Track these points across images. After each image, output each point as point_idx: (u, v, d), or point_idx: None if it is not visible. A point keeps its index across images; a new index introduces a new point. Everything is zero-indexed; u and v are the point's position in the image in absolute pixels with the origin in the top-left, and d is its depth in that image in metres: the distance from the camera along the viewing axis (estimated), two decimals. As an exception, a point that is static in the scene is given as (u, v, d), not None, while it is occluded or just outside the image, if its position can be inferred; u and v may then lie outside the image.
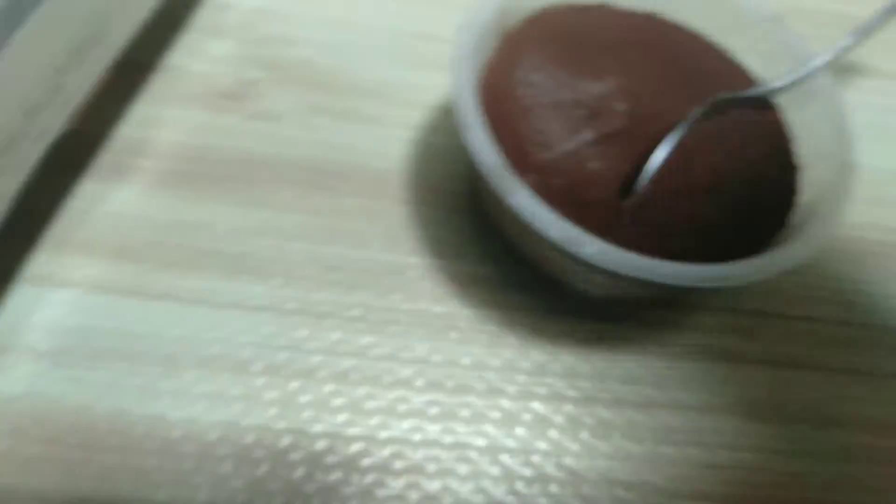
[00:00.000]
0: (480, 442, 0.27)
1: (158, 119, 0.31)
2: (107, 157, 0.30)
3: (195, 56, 0.33)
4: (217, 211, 0.30)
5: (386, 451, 0.26)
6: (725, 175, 0.26)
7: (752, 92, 0.28)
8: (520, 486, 0.26)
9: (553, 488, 0.26)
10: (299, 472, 0.25)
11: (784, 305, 0.31)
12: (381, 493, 0.25)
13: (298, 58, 0.34)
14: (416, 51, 0.35)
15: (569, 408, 0.28)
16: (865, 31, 0.29)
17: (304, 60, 0.34)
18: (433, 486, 0.25)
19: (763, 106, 0.28)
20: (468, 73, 0.25)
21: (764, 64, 0.30)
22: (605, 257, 0.22)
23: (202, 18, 0.34)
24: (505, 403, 0.27)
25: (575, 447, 0.27)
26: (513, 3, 0.28)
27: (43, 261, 0.27)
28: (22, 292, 0.27)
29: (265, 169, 0.31)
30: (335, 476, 0.25)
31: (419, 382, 0.27)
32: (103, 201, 0.29)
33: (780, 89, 0.28)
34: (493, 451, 0.26)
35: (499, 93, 0.26)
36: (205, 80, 0.33)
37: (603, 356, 0.29)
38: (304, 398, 0.26)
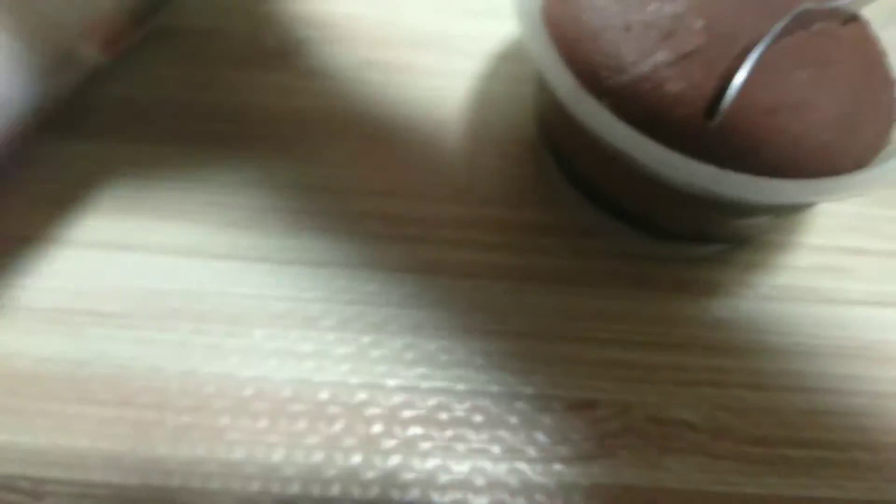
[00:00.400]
0: (563, 393, 0.25)
1: (210, 81, 0.31)
2: (160, 122, 0.29)
3: (240, 17, 0.32)
4: (274, 168, 0.29)
5: (467, 404, 0.25)
6: (814, 90, 0.24)
7: (838, 2, 0.26)
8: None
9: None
10: (376, 428, 0.24)
11: (881, 241, 0.29)
12: (460, 447, 0.24)
13: (346, 13, 0.33)
14: (469, 1, 0.34)
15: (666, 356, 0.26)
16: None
17: (352, 15, 0.33)
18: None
19: (850, 19, 0.26)
20: (533, 2, 0.23)
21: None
22: (695, 174, 0.20)
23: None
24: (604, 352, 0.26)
25: (660, 398, 0.25)
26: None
27: (105, 225, 0.27)
28: (87, 257, 0.26)
29: (320, 126, 0.30)
30: (413, 431, 0.24)
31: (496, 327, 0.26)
32: (160, 164, 0.28)
33: (867, 1, 0.26)
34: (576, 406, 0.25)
35: (565, 20, 0.25)
36: (252, 40, 0.32)
37: (692, 301, 0.27)
38: (376, 352, 0.25)
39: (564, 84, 0.22)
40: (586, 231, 0.28)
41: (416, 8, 0.33)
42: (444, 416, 0.24)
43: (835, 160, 0.23)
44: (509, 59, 0.32)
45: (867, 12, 0.27)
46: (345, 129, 0.30)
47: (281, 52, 0.32)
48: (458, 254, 0.27)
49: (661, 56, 0.23)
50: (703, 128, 0.23)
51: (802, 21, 0.25)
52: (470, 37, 0.33)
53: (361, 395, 0.25)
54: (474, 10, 0.34)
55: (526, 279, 0.27)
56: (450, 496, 0.23)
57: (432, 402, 0.25)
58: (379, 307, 0.26)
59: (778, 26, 0.23)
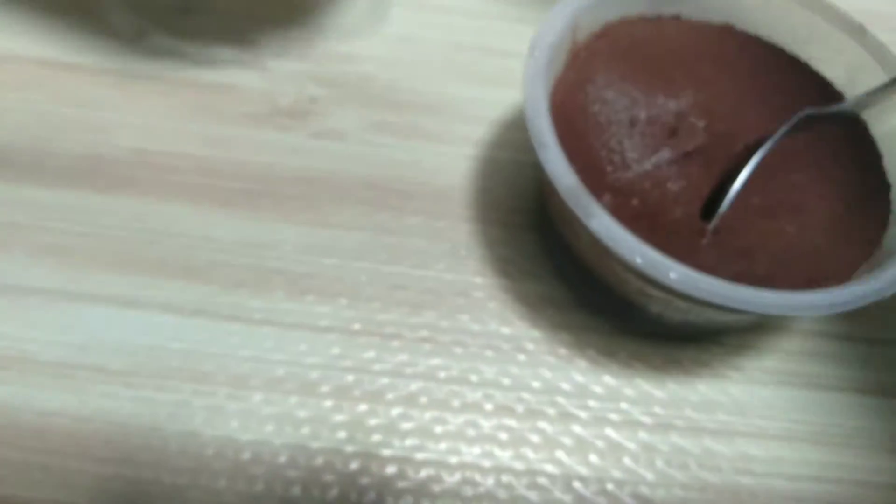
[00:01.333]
0: (552, 469, 0.26)
1: (223, 138, 0.31)
2: (173, 178, 0.30)
3: (257, 74, 0.33)
4: (282, 230, 0.29)
5: (456, 477, 0.25)
6: (812, 194, 0.25)
7: (837, 107, 0.27)
8: (595, 516, 0.25)
9: (630, 520, 0.25)
10: (369, 497, 0.25)
11: (872, 329, 0.30)
12: (451, 523, 0.25)
13: (359, 74, 0.34)
14: (477, 65, 0.35)
15: (643, 435, 0.27)
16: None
17: (366, 77, 0.34)
18: (506, 515, 0.25)
19: (849, 120, 0.27)
20: (541, 90, 0.24)
21: (847, 75, 0.29)
22: (691, 284, 0.21)
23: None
24: (577, 429, 0.26)
25: (650, 476, 0.26)
26: (584, 17, 0.27)
27: (113, 281, 0.28)
28: (93, 311, 0.27)
29: (329, 187, 0.31)
30: (405, 502, 0.25)
31: (488, 406, 0.27)
32: (171, 221, 0.29)
33: (867, 104, 0.27)
34: (565, 478, 0.26)
35: (572, 110, 0.26)
36: (268, 98, 0.32)
37: (678, 381, 0.28)
38: (372, 421, 0.26)
39: (566, 181, 0.22)
40: (583, 306, 0.29)
41: (428, 71, 0.34)
42: (436, 487, 0.25)
43: (826, 265, 0.24)
44: (515, 127, 0.33)
45: (868, 111, 0.27)
46: (351, 193, 0.31)
47: (294, 112, 0.32)
48: (456, 322, 0.28)
49: (664, 154, 0.24)
50: (700, 228, 0.23)
51: (803, 124, 0.25)
52: (479, 102, 0.34)
53: (355, 464, 0.25)
54: (484, 76, 0.34)
55: (518, 351, 0.28)
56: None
57: (423, 473, 0.25)
58: (375, 376, 0.27)
59: (779, 133, 0.24)
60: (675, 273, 0.21)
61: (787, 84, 0.28)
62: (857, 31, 0.28)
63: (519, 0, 0.36)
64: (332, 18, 0.35)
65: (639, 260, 0.21)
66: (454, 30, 0.36)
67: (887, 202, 0.26)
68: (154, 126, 0.31)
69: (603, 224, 0.22)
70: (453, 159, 0.32)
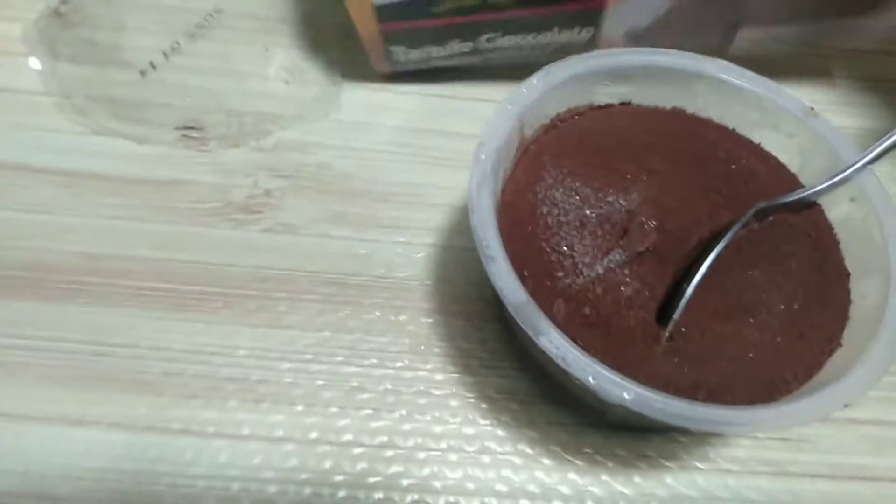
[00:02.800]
0: (518, 581, 0.25)
1: (176, 237, 0.31)
2: (124, 283, 0.29)
3: (210, 168, 0.33)
4: (237, 334, 0.29)
5: None
6: (768, 290, 0.25)
7: (792, 197, 0.26)
8: None
9: None
10: None
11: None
12: None
13: (314, 163, 0.33)
14: (432, 150, 0.34)
15: (612, 537, 0.26)
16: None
17: (321, 166, 0.33)
18: None
19: (805, 207, 0.27)
20: (487, 198, 0.24)
21: (800, 158, 0.28)
22: (646, 404, 0.20)
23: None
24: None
25: (620, 581, 0.25)
26: (529, 114, 0.27)
27: (60, 398, 0.27)
28: (38, 433, 0.26)
29: (286, 285, 0.30)
30: None
31: (452, 516, 0.26)
32: (122, 330, 0.28)
33: (823, 191, 0.26)
34: (532, 591, 0.25)
35: (521, 212, 0.25)
36: (221, 192, 0.32)
37: (645, 475, 0.27)
38: (330, 539, 0.25)
39: (514, 298, 0.22)
40: (547, 398, 0.28)
41: (384, 158, 0.34)
42: None
43: (786, 367, 0.23)
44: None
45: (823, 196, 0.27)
46: (309, 290, 0.30)
47: (248, 206, 0.32)
48: (417, 425, 0.27)
49: (615, 256, 0.24)
50: (655, 334, 0.23)
51: (757, 216, 0.25)
52: (435, 187, 0.33)
53: (313, 588, 0.24)
54: (440, 161, 0.34)
55: (482, 452, 0.27)
56: None
57: (385, 593, 0.24)
58: (334, 488, 0.26)
59: (732, 231, 0.24)
60: (629, 394, 0.20)
61: (740, 169, 0.28)
62: (808, 114, 0.28)
63: (472, 80, 0.36)
64: (284, 105, 0.35)
65: (591, 381, 0.20)
66: (407, 113, 0.35)
67: (846, 292, 0.25)
68: (104, 229, 0.31)
69: (553, 342, 0.21)
70: (411, 249, 0.32)
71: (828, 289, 0.25)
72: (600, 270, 0.24)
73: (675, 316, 0.23)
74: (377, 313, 0.30)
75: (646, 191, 0.26)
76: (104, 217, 0.31)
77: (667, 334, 0.23)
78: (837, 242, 0.26)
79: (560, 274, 0.24)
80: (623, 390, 0.20)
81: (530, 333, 0.21)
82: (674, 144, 0.28)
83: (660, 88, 0.29)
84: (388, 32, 0.31)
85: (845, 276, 0.26)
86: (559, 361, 0.21)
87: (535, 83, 0.26)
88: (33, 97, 0.34)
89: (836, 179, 0.26)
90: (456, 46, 0.32)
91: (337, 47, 0.36)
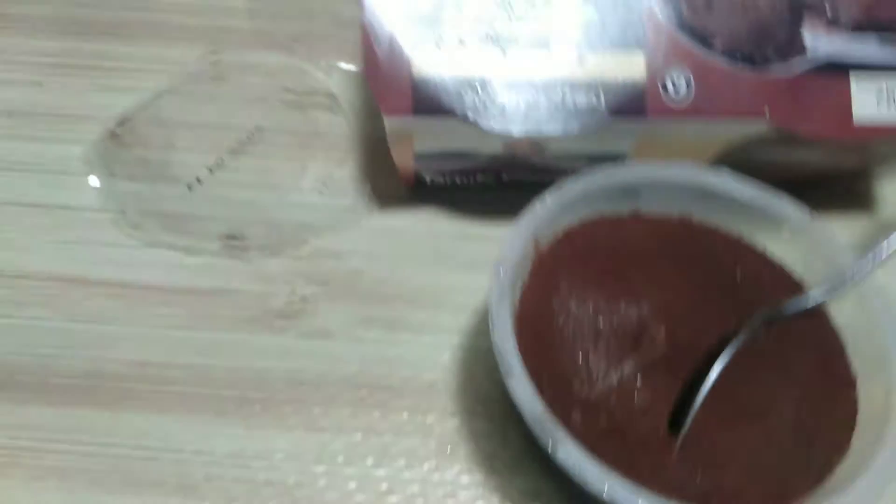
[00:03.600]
0: None
1: (219, 345, 0.33)
2: (171, 389, 0.32)
3: (250, 277, 0.35)
4: (274, 437, 0.30)
5: None
6: (775, 397, 0.26)
7: (797, 304, 0.28)
8: None
9: None
10: None
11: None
12: None
13: (347, 270, 0.36)
14: (459, 252, 0.37)
15: None
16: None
17: (353, 272, 0.36)
18: None
19: (810, 310, 0.28)
20: (506, 313, 0.25)
21: (804, 263, 0.30)
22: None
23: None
24: None
25: None
26: (544, 228, 0.29)
27: (107, 502, 0.28)
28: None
29: (319, 389, 0.32)
30: None
31: None
32: (168, 435, 0.30)
33: (825, 297, 0.28)
34: None
35: (539, 323, 0.27)
36: (261, 300, 0.34)
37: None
38: None
39: (533, 410, 0.23)
40: (569, 501, 0.29)
41: (412, 262, 0.36)
42: None
43: (795, 474, 0.24)
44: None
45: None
46: (341, 393, 0.32)
47: (286, 313, 0.34)
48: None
49: (628, 366, 0.25)
50: (668, 442, 0.24)
51: (763, 323, 0.27)
52: (460, 290, 0.35)
53: None
54: (465, 263, 0.36)
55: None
56: None
57: None
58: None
59: (739, 339, 0.25)
60: (643, 502, 0.22)
61: (746, 276, 0.29)
62: (809, 220, 0.30)
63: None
64: (319, 215, 0.37)
65: (605, 492, 0.22)
66: (432, 218, 0.38)
67: (853, 399, 0.26)
68: (154, 337, 0.33)
69: (570, 454, 0.22)
70: (438, 351, 0.33)
71: (835, 394, 0.26)
72: (614, 380, 0.26)
73: (686, 425, 0.24)
74: (405, 415, 0.31)
75: (656, 299, 0.28)
76: (154, 326, 0.33)
77: (678, 442, 0.24)
78: (843, 347, 0.28)
79: (576, 384, 0.26)
80: (637, 501, 0.22)
81: (547, 445, 0.23)
82: (682, 253, 0.30)
83: (667, 199, 0.31)
84: (422, 168, 0.34)
85: (852, 381, 0.27)
86: (574, 473, 0.22)
87: (549, 201, 0.29)
88: (92, 213, 0.37)
89: (837, 287, 0.27)
90: (482, 178, 0.35)
91: (368, 159, 0.39)
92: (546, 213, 0.29)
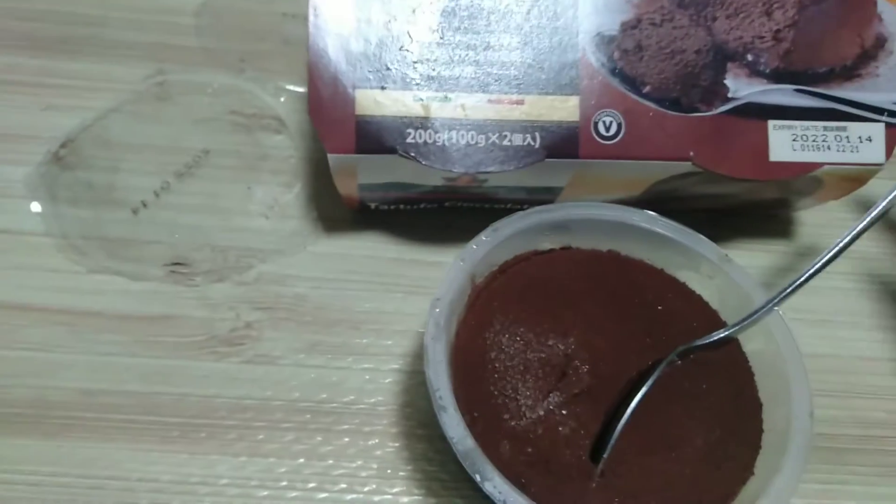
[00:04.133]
0: None
1: (164, 371, 0.34)
2: (116, 417, 0.32)
3: (196, 302, 0.36)
4: (219, 463, 0.31)
5: None
6: (689, 425, 0.28)
7: (709, 339, 0.30)
8: None
9: None
10: None
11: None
12: None
13: (292, 295, 0.37)
14: (403, 276, 0.38)
15: None
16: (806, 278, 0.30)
17: (298, 297, 0.37)
18: None
19: (723, 343, 0.31)
20: (441, 349, 0.27)
21: (719, 297, 0.32)
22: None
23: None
24: None
25: None
26: (480, 265, 0.30)
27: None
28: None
29: (264, 414, 0.33)
30: None
31: None
32: (112, 464, 0.31)
33: (735, 331, 0.30)
34: None
35: (473, 357, 0.29)
36: (206, 326, 0.35)
37: None
38: None
39: (462, 446, 0.25)
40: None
41: (356, 287, 0.37)
42: None
43: (703, 498, 0.26)
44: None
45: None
46: (285, 418, 0.33)
47: (230, 339, 0.35)
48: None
49: (554, 398, 0.27)
50: (589, 470, 0.26)
51: (680, 355, 0.29)
52: (404, 315, 0.37)
53: None
54: (409, 288, 0.37)
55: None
56: None
57: None
58: None
59: (657, 371, 0.27)
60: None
61: (667, 310, 0.31)
62: (723, 260, 0.32)
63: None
64: (265, 240, 0.38)
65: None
66: (376, 243, 0.39)
67: (759, 422, 0.29)
68: (99, 364, 0.34)
69: (497, 487, 0.24)
70: (380, 375, 0.35)
71: (743, 420, 0.29)
72: (541, 412, 0.27)
73: (606, 454, 0.26)
74: (347, 439, 0.33)
75: (581, 335, 0.30)
76: (99, 353, 0.34)
77: (599, 471, 0.26)
78: (752, 374, 0.30)
79: (506, 416, 0.27)
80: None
81: (477, 479, 0.24)
82: (608, 288, 0.32)
83: (596, 235, 0.33)
84: (366, 198, 0.36)
85: (758, 406, 0.29)
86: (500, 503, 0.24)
87: (484, 240, 0.30)
88: (35, 238, 0.37)
89: (745, 321, 0.30)
90: (425, 205, 0.37)
91: (314, 182, 0.40)
92: (481, 252, 0.30)
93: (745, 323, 0.30)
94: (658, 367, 0.28)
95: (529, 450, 0.27)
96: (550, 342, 0.29)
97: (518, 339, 0.29)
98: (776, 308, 0.30)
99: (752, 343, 0.31)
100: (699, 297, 0.32)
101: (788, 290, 0.29)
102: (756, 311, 0.30)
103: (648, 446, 0.27)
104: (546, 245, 0.33)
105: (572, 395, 0.28)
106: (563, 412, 0.28)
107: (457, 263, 0.29)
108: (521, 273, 0.32)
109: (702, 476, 0.27)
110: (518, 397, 0.28)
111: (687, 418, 0.28)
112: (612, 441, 0.27)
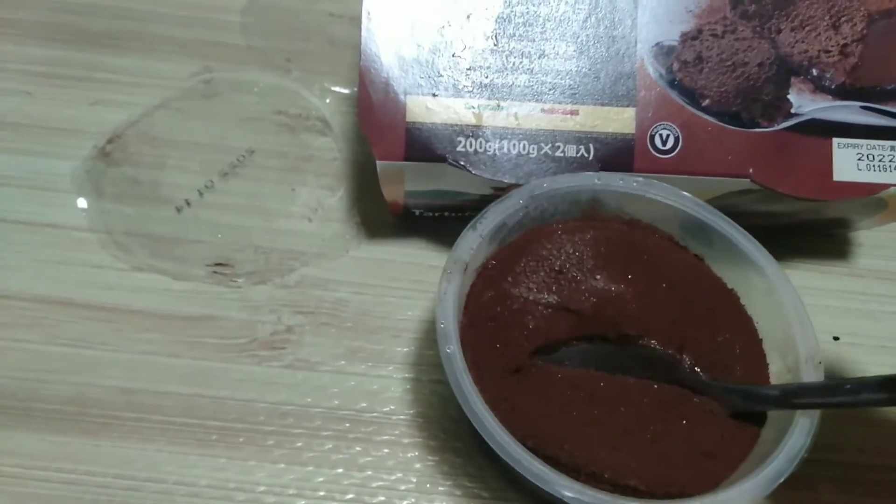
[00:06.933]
0: None
1: (205, 373, 0.33)
2: (155, 418, 0.32)
3: (237, 304, 0.35)
4: (256, 469, 0.31)
5: None
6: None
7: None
8: None
9: None
10: None
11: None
12: None
13: (333, 300, 0.36)
14: (443, 285, 0.37)
15: None
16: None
17: (339, 303, 0.36)
18: None
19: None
20: (460, 364, 0.27)
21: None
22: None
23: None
24: None
25: None
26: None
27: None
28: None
29: (303, 421, 0.33)
30: None
31: None
32: (150, 466, 0.31)
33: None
34: None
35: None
36: (247, 328, 0.35)
37: None
38: None
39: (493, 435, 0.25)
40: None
41: (398, 294, 0.37)
42: None
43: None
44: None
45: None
46: (324, 426, 0.33)
47: (271, 343, 0.35)
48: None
49: (550, 298, 0.30)
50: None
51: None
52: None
53: None
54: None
55: None
56: None
57: None
58: None
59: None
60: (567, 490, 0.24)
61: (708, 309, 0.31)
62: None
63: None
64: (307, 242, 0.38)
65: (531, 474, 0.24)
66: (419, 250, 0.38)
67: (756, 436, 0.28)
68: (139, 363, 0.33)
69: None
70: (420, 385, 0.34)
71: (744, 429, 0.28)
72: (531, 297, 0.30)
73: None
74: (386, 450, 0.32)
75: (615, 287, 0.30)
76: (140, 352, 0.34)
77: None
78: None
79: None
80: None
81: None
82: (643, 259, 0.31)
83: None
84: (412, 204, 0.35)
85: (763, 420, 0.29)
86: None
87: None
88: (79, 233, 0.37)
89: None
90: (470, 214, 0.36)
91: (358, 185, 0.40)
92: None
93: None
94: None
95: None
96: (585, 279, 0.30)
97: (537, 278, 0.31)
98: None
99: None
100: (748, 317, 0.31)
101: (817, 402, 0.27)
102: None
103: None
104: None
105: (566, 308, 0.30)
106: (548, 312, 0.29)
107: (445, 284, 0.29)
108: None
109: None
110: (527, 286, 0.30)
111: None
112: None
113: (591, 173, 0.31)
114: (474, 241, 0.29)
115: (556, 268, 0.30)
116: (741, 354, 0.30)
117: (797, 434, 0.26)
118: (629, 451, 0.27)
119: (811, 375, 0.27)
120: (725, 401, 0.28)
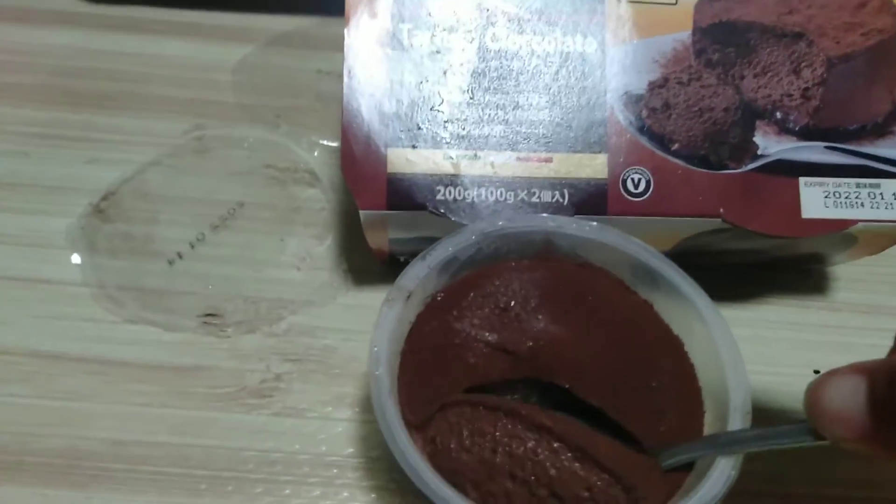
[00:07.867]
0: None
1: (194, 423, 0.34)
2: (145, 469, 0.32)
3: (226, 353, 0.36)
4: (245, 519, 0.31)
5: None
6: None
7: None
8: None
9: None
10: None
11: None
12: None
13: (321, 346, 0.37)
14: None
15: None
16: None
17: (327, 349, 0.37)
18: None
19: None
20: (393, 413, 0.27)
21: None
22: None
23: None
24: None
25: None
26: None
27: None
28: None
29: (291, 468, 0.33)
30: None
31: None
32: (140, 516, 0.31)
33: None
34: None
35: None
36: (236, 377, 0.35)
37: None
38: None
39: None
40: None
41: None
42: None
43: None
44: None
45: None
46: (311, 472, 0.33)
47: (260, 391, 0.35)
48: None
49: (490, 337, 0.31)
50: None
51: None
52: (431, 369, 0.36)
53: None
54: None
55: None
56: None
57: None
58: None
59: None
60: None
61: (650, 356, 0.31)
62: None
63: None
64: (296, 291, 0.39)
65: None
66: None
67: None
68: (130, 415, 0.34)
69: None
70: (407, 430, 0.34)
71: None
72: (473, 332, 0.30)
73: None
74: (374, 495, 0.32)
75: (556, 329, 0.30)
76: (131, 403, 0.34)
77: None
78: None
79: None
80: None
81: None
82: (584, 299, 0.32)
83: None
84: (396, 251, 0.36)
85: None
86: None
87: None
88: (72, 288, 0.38)
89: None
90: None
91: (345, 235, 0.41)
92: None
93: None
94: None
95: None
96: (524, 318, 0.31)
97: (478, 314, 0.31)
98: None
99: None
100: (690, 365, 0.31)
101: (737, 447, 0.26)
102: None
103: None
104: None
105: (504, 349, 0.30)
106: (485, 349, 0.30)
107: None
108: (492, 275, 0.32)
109: None
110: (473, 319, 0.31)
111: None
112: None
113: (546, 215, 0.32)
114: (422, 271, 0.30)
115: (501, 305, 0.30)
116: (676, 400, 0.29)
117: (714, 480, 0.25)
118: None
119: (738, 425, 0.27)
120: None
